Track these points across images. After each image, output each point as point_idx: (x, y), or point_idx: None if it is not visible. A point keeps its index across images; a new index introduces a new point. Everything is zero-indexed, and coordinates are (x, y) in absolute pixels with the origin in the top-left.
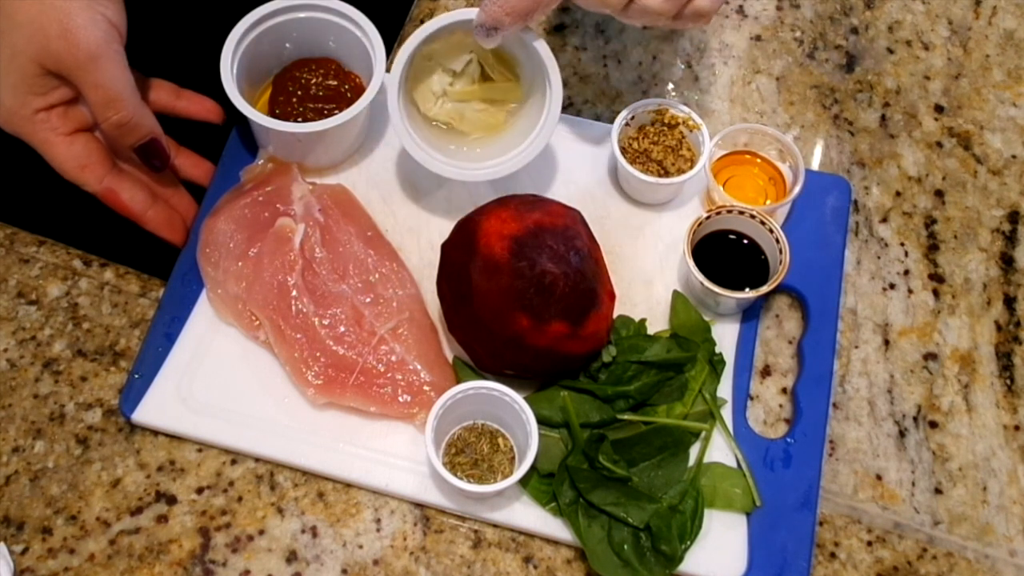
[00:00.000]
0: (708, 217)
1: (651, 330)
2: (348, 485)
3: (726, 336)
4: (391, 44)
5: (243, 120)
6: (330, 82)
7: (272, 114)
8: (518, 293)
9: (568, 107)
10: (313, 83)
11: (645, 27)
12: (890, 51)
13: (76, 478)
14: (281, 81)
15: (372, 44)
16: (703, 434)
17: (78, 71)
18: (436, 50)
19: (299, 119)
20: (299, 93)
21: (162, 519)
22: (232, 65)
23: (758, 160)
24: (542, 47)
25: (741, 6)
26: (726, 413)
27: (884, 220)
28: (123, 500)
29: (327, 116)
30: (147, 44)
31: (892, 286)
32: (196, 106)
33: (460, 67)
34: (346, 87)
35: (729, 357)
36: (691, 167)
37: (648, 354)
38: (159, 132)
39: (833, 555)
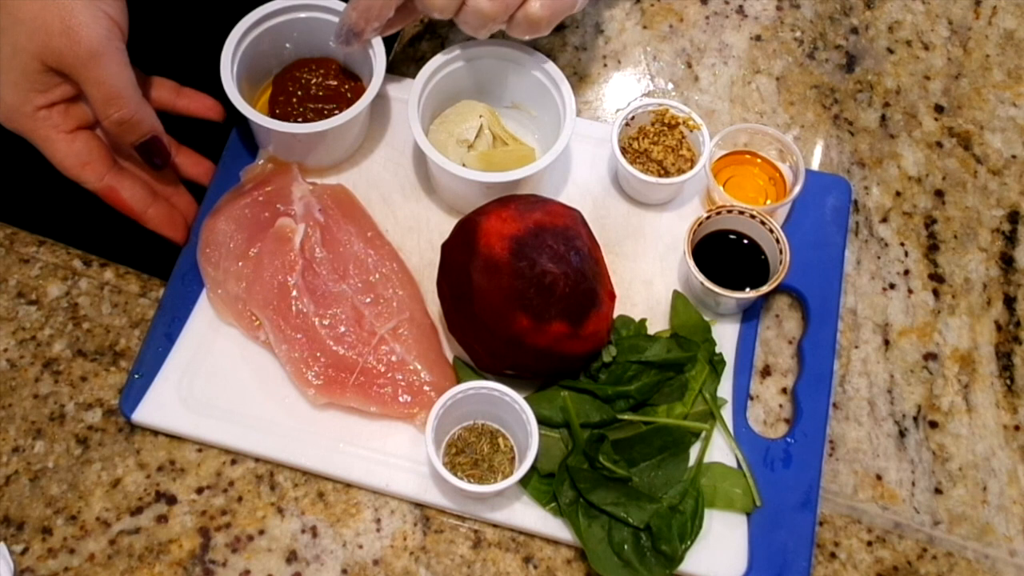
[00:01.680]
0: (708, 217)
1: (651, 330)
2: (348, 485)
3: (726, 336)
4: (391, 44)
5: (243, 120)
6: (330, 82)
7: (272, 114)
8: (518, 293)
9: None
10: (313, 83)
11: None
12: (890, 51)
13: (76, 478)
14: (281, 81)
15: (372, 43)
16: (703, 434)
17: (80, 68)
18: (448, 116)
19: (299, 119)
20: (299, 93)
21: (162, 519)
22: (232, 65)
23: (758, 160)
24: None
25: (741, 6)
26: (726, 413)
27: (884, 220)
28: (123, 500)
29: (327, 116)
30: (148, 41)
31: (892, 286)
32: (197, 104)
33: (472, 136)
34: (346, 87)
35: (729, 357)
36: (691, 167)
37: (648, 354)
38: (160, 130)
39: (833, 555)
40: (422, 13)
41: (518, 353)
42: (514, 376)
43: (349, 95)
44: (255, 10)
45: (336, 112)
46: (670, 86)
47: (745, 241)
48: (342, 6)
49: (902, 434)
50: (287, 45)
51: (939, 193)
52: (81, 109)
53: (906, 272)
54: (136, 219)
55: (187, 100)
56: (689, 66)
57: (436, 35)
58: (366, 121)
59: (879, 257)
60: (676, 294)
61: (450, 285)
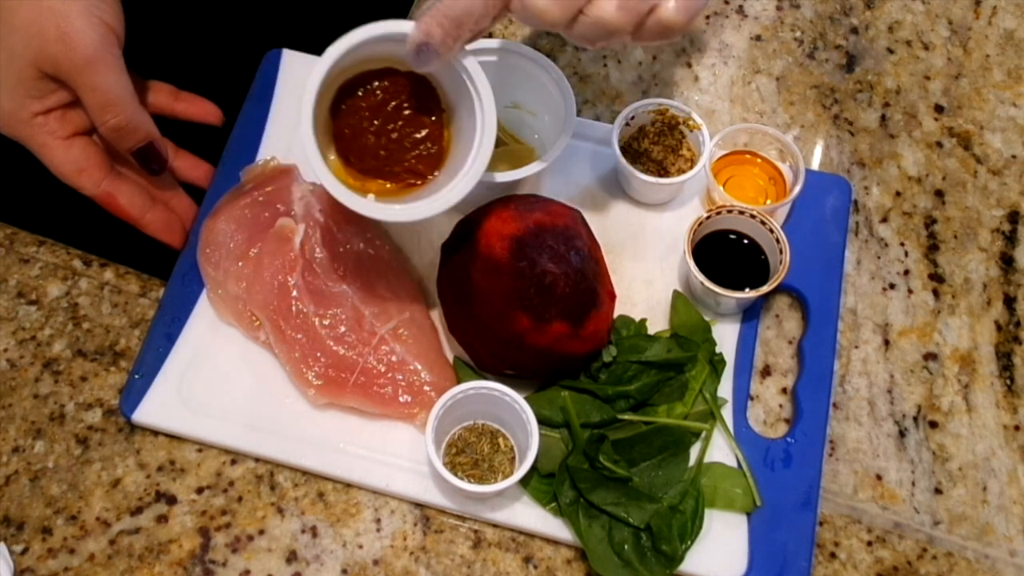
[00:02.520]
0: (708, 217)
1: (651, 330)
2: (348, 485)
3: (726, 336)
4: None
5: (245, 121)
6: (401, 107)
7: (344, 158)
8: (518, 293)
9: None
10: (380, 113)
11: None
12: (890, 51)
13: (76, 478)
14: (345, 117)
15: (461, 62)
16: (703, 434)
17: (76, 75)
18: None
19: (371, 149)
20: (368, 129)
21: (162, 519)
22: (313, 135)
23: (758, 160)
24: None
25: (741, 6)
26: (726, 413)
27: (884, 220)
28: (123, 500)
29: (404, 141)
30: (146, 46)
31: (892, 286)
32: (195, 108)
33: None
34: (418, 107)
35: (729, 357)
36: (691, 167)
37: (648, 354)
38: (157, 136)
39: (833, 555)
40: (522, 21)
41: (518, 353)
42: (514, 376)
43: (429, 116)
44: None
45: (415, 132)
46: (670, 86)
47: (745, 241)
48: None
49: (902, 434)
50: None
51: (939, 193)
52: (78, 115)
53: (906, 272)
54: (134, 224)
55: (185, 104)
56: (689, 66)
57: None
58: None
59: (879, 257)
60: (676, 294)
61: (450, 285)
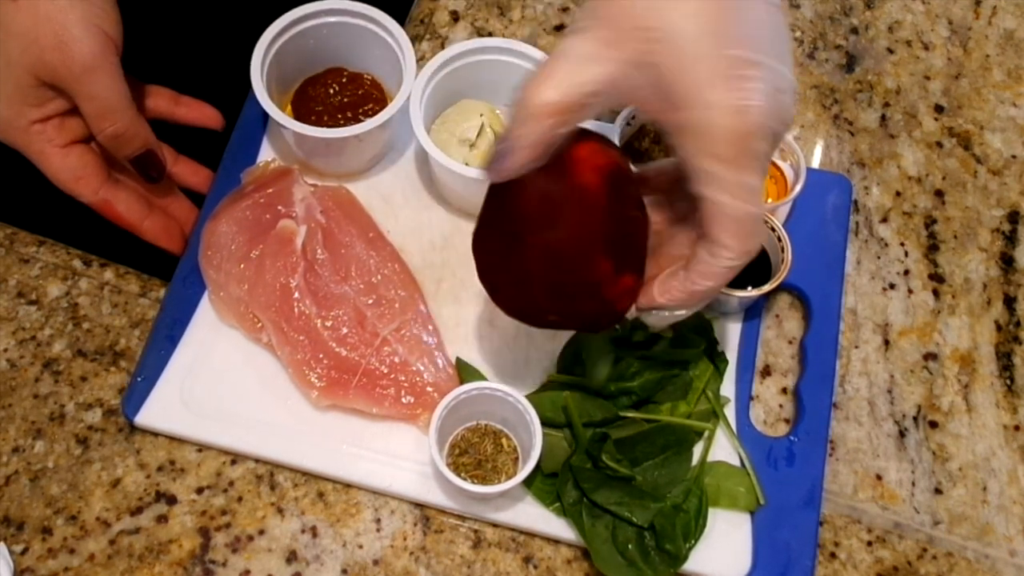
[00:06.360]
0: None
1: None
2: (348, 485)
3: (728, 335)
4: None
5: (245, 122)
6: (357, 92)
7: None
8: (606, 235)
9: None
10: (339, 93)
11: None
12: (890, 51)
13: (76, 478)
14: (306, 90)
15: (401, 47)
16: (706, 433)
17: (73, 83)
18: (449, 115)
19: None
20: (326, 102)
21: (162, 519)
22: (262, 69)
23: None
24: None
25: None
26: (729, 412)
27: (884, 220)
28: (123, 500)
29: (356, 121)
30: (145, 49)
31: (892, 286)
32: (195, 112)
33: (474, 135)
34: (374, 97)
35: (731, 356)
36: None
37: (651, 350)
38: (155, 143)
39: (833, 555)
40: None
41: (577, 301)
42: (547, 327)
43: (375, 105)
44: (286, 13)
45: (364, 119)
46: None
47: None
48: (374, 12)
49: (902, 434)
50: (311, 50)
51: (939, 193)
52: (76, 123)
53: (906, 272)
54: (132, 231)
55: (185, 109)
56: None
57: (436, 35)
58: (394, 128)
59: (879, 257)
60: None
61: (516, 218)
